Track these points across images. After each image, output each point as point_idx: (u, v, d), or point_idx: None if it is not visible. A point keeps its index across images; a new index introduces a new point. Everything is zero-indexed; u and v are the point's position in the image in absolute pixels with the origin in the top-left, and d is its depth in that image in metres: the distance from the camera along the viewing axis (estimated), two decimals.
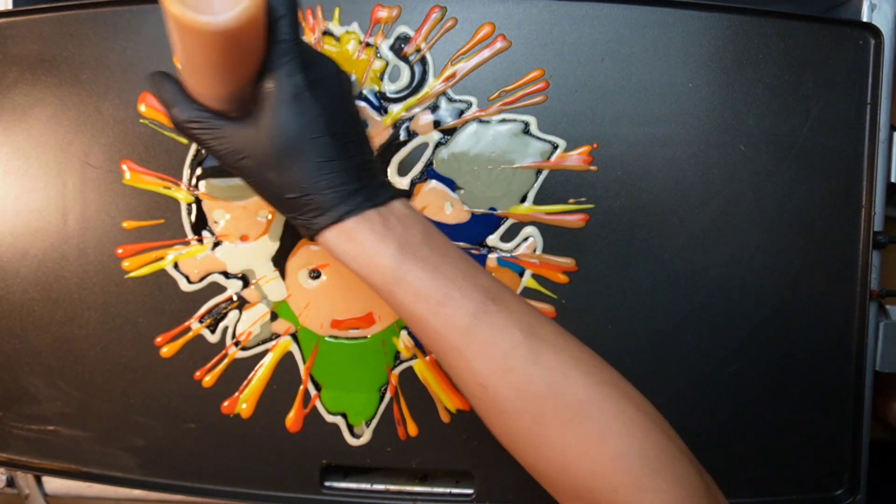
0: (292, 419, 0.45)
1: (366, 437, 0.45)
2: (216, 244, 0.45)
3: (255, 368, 0.45)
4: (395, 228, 0.33)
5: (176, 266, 0.45)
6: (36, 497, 0.49)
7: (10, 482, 0.49)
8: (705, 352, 0.44)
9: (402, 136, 0.43)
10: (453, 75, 0.43)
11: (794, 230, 0.44)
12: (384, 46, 0.43)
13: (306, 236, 0.34)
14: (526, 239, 0.44)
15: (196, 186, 0.44)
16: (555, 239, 0.44)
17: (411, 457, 0.45)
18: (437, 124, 0.43)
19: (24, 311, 0.45)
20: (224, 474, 0.45)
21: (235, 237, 0.44)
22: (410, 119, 0.43)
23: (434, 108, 0.43)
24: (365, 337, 0.45)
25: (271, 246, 0.44)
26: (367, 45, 0.43)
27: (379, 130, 0.44)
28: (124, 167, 0.44)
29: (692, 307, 0.44)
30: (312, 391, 0.45)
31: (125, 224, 0.44)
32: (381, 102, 0.43)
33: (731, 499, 0.45)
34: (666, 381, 0.44)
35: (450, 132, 0.43)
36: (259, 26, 0.30)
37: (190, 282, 0.45)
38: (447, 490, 0.46)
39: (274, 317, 0.45)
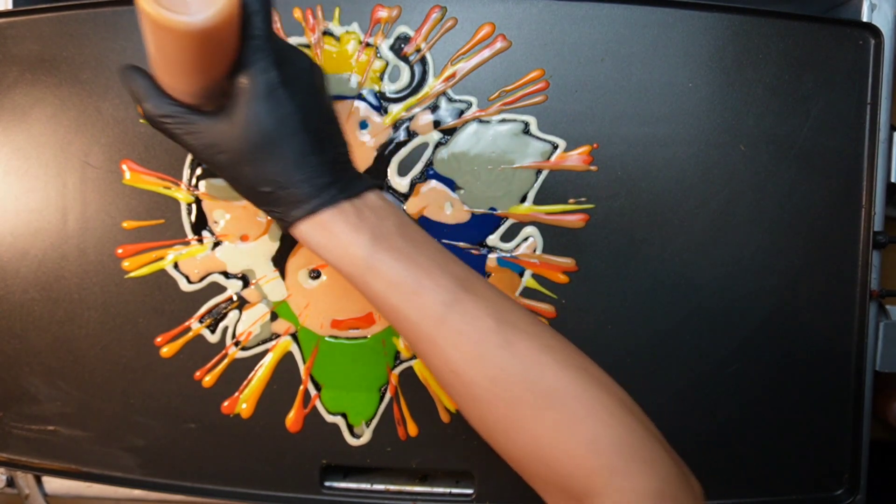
0: (292, 419, 0.45)
1: (366, 437, 0.45)
2: (216, 244, 0.45)
3: (255, 368, 0.45)
4: (368, 219, 0.33)
5: (176, 266, 0.45)
6: (36, 497, 0.49)
7: (10, 482, 0.49)
8: (705, 352, 0.44)
9: (402, 136, 0.43)
10: (453, 75, 0.43)
11: (794, 230, 0.44)
12: (384, 46, 0.43)
13: (281, 228, 0.34)
14: (526, 239, 0.44)
15: (196, 186, 0.44)
16: (555, 239, 0.44)
17: (411, 457, 0.45)
18: (437, 124, 0.43)
19: (24, 311, 0.45)
20: (224, 474, 0.45)
21: (235, 237, 0.44)
22: (410, 119, 0.43)
23: (434, 108, 0.43)
24: (365, 337, 0.45)
25: (271, 246, 0.44)
26: (367, 45, 0.43)
27: (379, 130, 0.44)
28: (124, 167, 0.44)
29: (692, 307, 0.44)
30: (312, 391, 0.45)
31: (125, 224, 0.44)
32: (381, 102, 0.43)
33: (731, 499, 0.45)
34: (666, 381, 0.44)
35: (450, 132, 0.43)
36: (234, 24, 0.30)
37: (190, 282, 0.45)
38: (447, 490, 0.46)
39: (274, 317, 0.45)
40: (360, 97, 0.43)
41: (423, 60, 0.43)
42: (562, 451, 0.31)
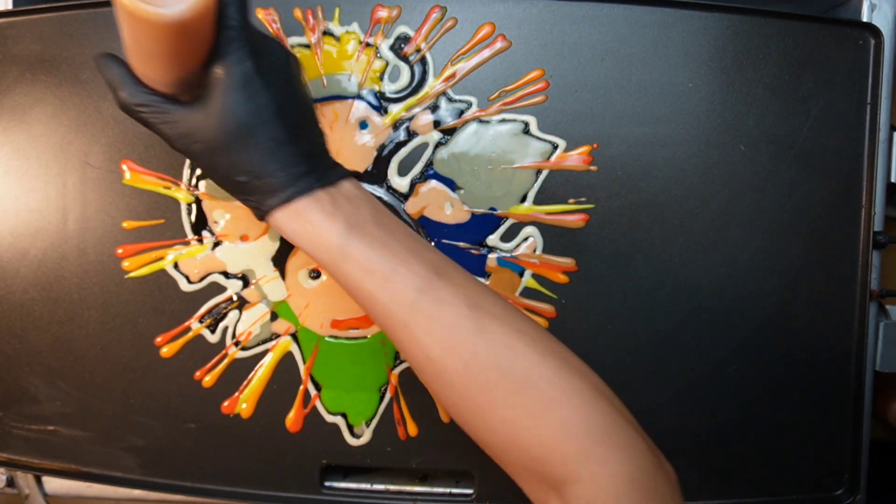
0: (292, 419, 0.45)
1: (366, 437, 0.45)
2: (216, 244, 0.45)
3: (255, 368, 0.45)
4: (343, 207, 0.33)
5: (176, 266, 0.45)
6: (36, 497, 0.49)
7: (10, 482, 0.49)
8: (705, 352, 0.44)
9: (402, 136, 0.43)
10: (453, 75, 0.43)
11: (794, 230, 0.44)
12: (384, 46, 0.43)
13: (257, 217, 0.34)
14: (526, 239, 0.44)
15: (196, 186, 0.44)
16: (555, 239, 0.44)
17: (411, 457, 0.45)
18: (437, 124, 0.43)
19: (24, 311, 0.45)
20: (224, 474, 0.45)
21: (235, 237, 0.44)
22: (410, 119, 0.43)
23: (434, 108, 0.43)
24: (365, 337, 0.45)
25: (271, 246, 0.44)
26: (367, 45, 0.43)
27: (379, 130, 0.44)
28: (124, 167, 0.44)
29: (692, 307, 0.44)
30: (312, 391, 0.45)
31: (125, 224, 0.44)
32: (381, 102, 0.43)
33: (731, 499, 0.46)
34: (666, 381, 0.44)
35: (450, 132, 0.43)
36: (209, 15, 0.30)
37: (190, 282, 0.45)
38: (447, 490, 0.46)
39: (274, 317, 0.45)
40: (360, 97, 0.43)
41: (423, 60, 0.43)
42: (535, 436, 0.31)
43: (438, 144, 0.43)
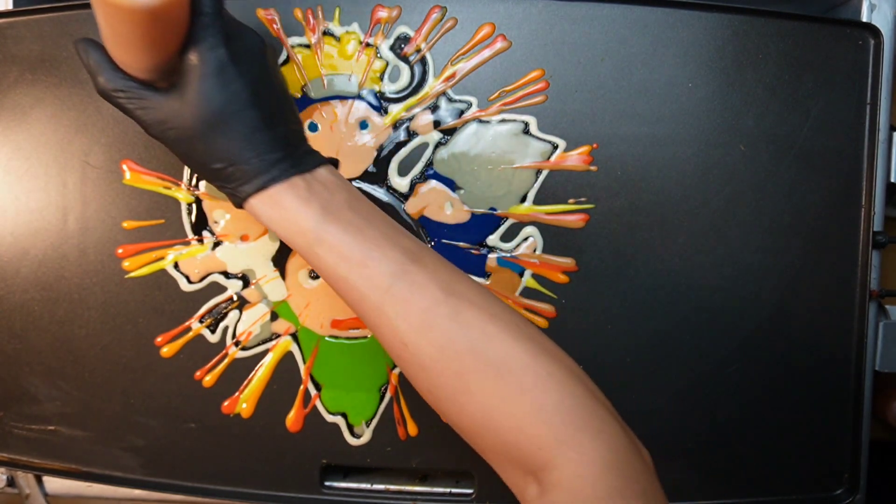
0: (292, 419, 0.45)
1: (366, 436, 0.45)
2: (216, 244, 0.45)
3: (256, 368, 0.45)
4: (318, 193, 0.33)
5: (176, 266, 0.45)
6: (36, 497, 0.49)
7: (11, 482, 0.49)
8: (705, 352, 0.44)
9: (402, 136, 0.43)
10: (453, 75, 0.43)
11: (794, 230, 0.44)
12: (384, 46, 0.43)
13: (234, 204, 0.35)
14: (526, 239, 0.44)
15: (196, 186, 0.44)
16: (555, 239, 0.44)
17: (411, 457, 0.45)
18: (437, 124, 0.43)
19: (24, 311, 0.45)
20: (224, 474, 0.45)
21: (236, 237, 0.44)
22: (410, 119, 0.43)
23: (434, 108, 0.43)
24: (365, 337, 0.45)
25: (271, 246, 0.44)
26: (367, 45, 0.43)
27: (379, 130, 0.44)
28: (124, 167, 0.44)
29: (692, 307, 0.44)
30: (312, 391, 0.45)
31: (125, 224, 0.44)
32: (381, 102, 0.43)
33: (731, 499, 0.46)
34: (666, 381, 0.44)
35: (450, 132, 0.43)
36: (183, 2, 0.30)
37: (190, 282, 0.45)
38: (447, 490, 0.46)
39: (274, 317, 0.45)
40: (360, 97, 0.43)
41: (423, 60, 0.43)
42: (510, 421, 0.31)
43: (438, 144, 0.43)
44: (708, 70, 0.43)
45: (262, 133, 0.33)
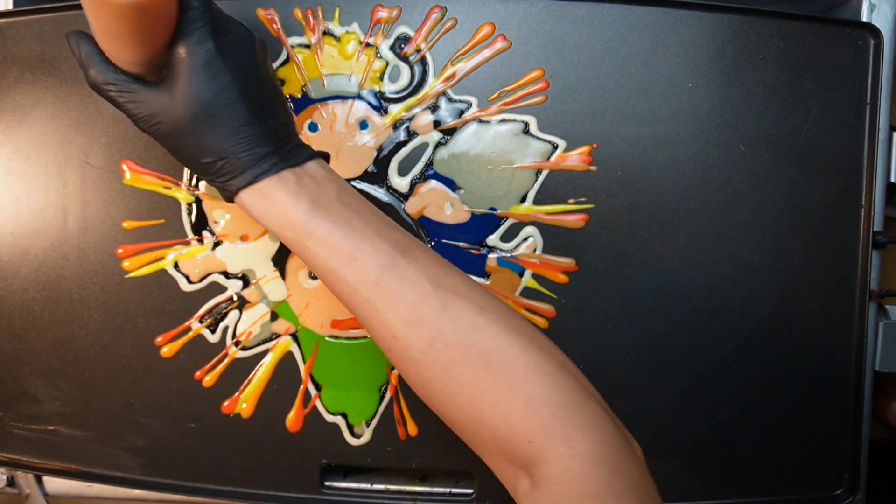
0: (292, 419, 0.45)
1: (366, 436, 0.45)
2: (216, 244, 0.45)
3: (256, 368, 0.45)
4: (308, 187, 0.34)
5: (176, 266, 0.45)
6: (36, 497, 0.49)
7: (11, 482, 0.49)
8: (705, 352, 0.44)
9: (402, 136, 0.43)
10: (453, 75, 0.43)
11: (794, 230, 0.44)
12: (384, 46, 0.43)
13: (225, 199, 0.35)
14: (526, 239, 0.44)
15: (196, 186, 0.44)
16: (555, 239, 0.44)
17: (411, 457, 0.45)
18: (437, 124, 0.43)
19: (24, 311, 0.45)
20: (224, 474, 0.45)
21: (236, 237, 0.44)
22: (410, 119, 0.43)
23: (434, 108, 0.43)
24: (365, 337, 0.45)
25: (271, 246, 0.44)
26: (368, 45, 0.43)
27: (379, 130, 0.44)
28: (124, 167, 0.44)
29: (692, 307, 0.44)
30: (312, 391, 0.45)
31: (125, 224, 0.44)
32: (381, 102, 0.43)
33: (731, 499, 0.46)
34: (666, 381, 0.44)
35: (450, 132, 0.43)
36: None
37: (190, 282, 0.45)
38: (447, 490, 0.46)
39: (274, 317, 0.45)
40: (360, 97, 0.43)
41: (423, 60, 0.43)
42: (500, 415, 0.31)
43: (438, 144, 0.43)
44: (708, 70, 0.43)
45: (251, 127, 0.33)
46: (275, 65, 0.43)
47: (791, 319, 0.44)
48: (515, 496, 0.32)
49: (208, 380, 0.45)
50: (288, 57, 0.43)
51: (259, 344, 0.45)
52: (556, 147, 0.43)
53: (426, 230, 0.44)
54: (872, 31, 0.44)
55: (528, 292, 0.44)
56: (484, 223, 0.44)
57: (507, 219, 0.44)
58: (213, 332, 0.45)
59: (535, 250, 0.44)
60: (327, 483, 0.46)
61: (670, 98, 0.43)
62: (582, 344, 0.44)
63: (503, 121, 0.43)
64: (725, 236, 0.44)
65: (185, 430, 0.45)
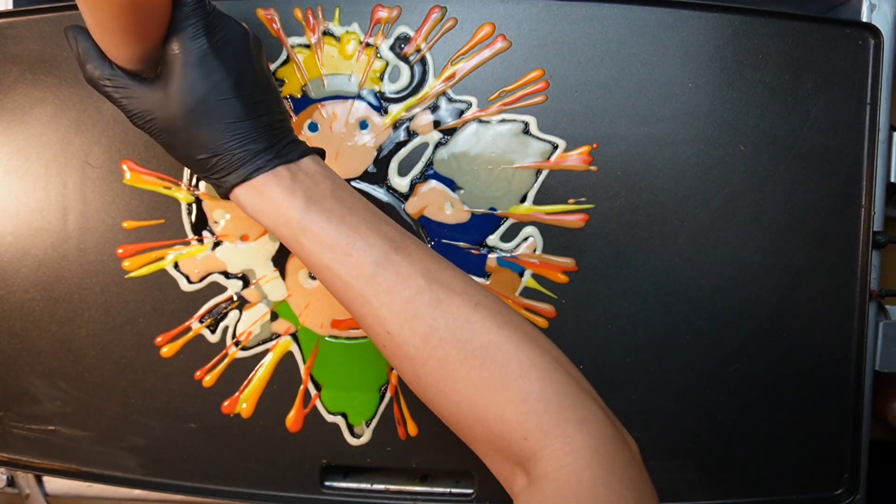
0: (292, 419, 0.45)
1: (366, 436, 0.45)
2: (216, 244, 0.45)
3: (256, 368, 0.45)
4: (303, 182, 0.34)
5: (176, 266, 0.45)
6: (36, 497, 0.49)
7: (11, 482, 0.49)
8: (705, 352, 0.44)
9: (402, 136, 0.43)
10: (453, 75, 0.43)
11: (794, 230, 0.44)
12: (384, 46, 0.43)
13: (220, 195, 0.35)
14: (526, 239, 0.44)
15: (196, 186, 0.44)
16: (555, 239, 0.44)
17: (411, 457, 0.45)
18: (437, 124, 0.43)
19: (24, 311, 0.45)
20: (224, 474, 0.45)
21: (236, 237, 0.44)
22: (410, 119, 0.43)
23: (434, 108, 0.43)
24: (365, 337, 0.45)
25: (271, 246, 0.44)
26: (368, 45, 0.43)
27: (379, 130, 0.44)
28: (124, 167, 0.44)
29: (692, 307, 0.44)
30: (312, 391, 0.45)
31: (125, 224, 0.44)
32: (382, 102, 0.43)
33: (731, 499, 0.46)
34: (666, 381, 0.44)
35: (450, 132, 0.43)
36: None
37: (190, 282, 0.45)
38: (447, 490, 0.46)
39: (274, 317, 0.45)
40: (360, 97, 0.43)
41: (423, 60, 0.43)
42: (494, 411, 0.31)
43: (438, 144, 0.43)
44: (708, 70, 0.43)
45: (245, 123, 0.33)
46: (275, 65, 0.43)
47: (791, 319, 0.44)
48: (512, 493, 0.32)
49: (208, 380, 0.45)
50: (288, 57, 0.43)
51: (259, 344, 0.45)
52: (556, 147, 0.43)
53: (426, 230, 0.44)
54: (872, 31, 0.44)
55: (528, 292, 0.44)
56: (484, 223, 0.44)
57: (507, 219, 0.44)
58: (213, 332, 0.45)
59: (535, 250, 0.44)
60: (327, 483, 0.46)
61: (670, 98, 0.43)
62: (582, 344, 0.44)
63: (503, 121, 0.43)
64: (725, 236, 0.44)
65: (185, 431, 0.45)
